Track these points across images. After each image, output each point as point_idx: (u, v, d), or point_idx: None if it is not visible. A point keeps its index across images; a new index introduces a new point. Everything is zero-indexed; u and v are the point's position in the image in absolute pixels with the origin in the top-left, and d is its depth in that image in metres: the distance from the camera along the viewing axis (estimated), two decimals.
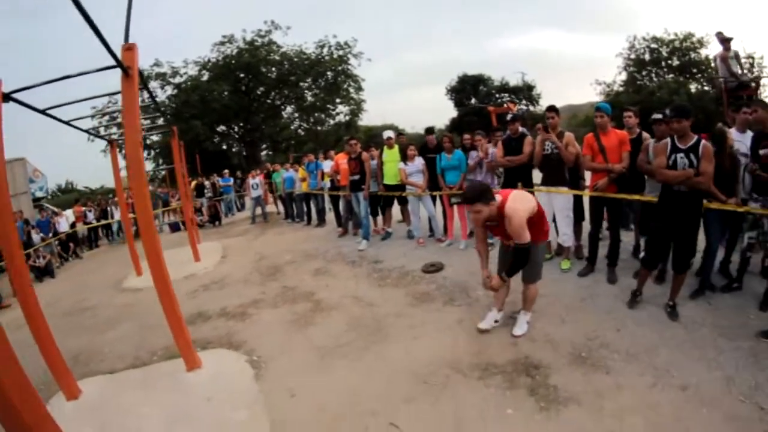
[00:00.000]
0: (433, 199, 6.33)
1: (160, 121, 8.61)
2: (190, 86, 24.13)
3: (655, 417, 2.25)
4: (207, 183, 13.64)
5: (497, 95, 31.15)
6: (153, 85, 22.84)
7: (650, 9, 55.50)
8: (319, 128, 28.63)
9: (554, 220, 4.55)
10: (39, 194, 14.75)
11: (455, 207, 5.90)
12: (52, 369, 2.95)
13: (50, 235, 9.59)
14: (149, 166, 22.29)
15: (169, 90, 24.22)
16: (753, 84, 8.38)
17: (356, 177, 6.63)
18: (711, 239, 3.62)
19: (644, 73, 26.73)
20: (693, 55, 24.63)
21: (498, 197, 2.98)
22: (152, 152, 24.06)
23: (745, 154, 3.60)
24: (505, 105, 22.86)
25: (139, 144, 2.89)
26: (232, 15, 48.48)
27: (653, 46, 25.82)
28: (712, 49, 18.03)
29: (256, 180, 11.22)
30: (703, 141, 3.11)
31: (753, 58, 21.82)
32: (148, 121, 8.08)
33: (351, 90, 27.83)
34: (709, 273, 3.67)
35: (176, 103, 23.18)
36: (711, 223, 3.61)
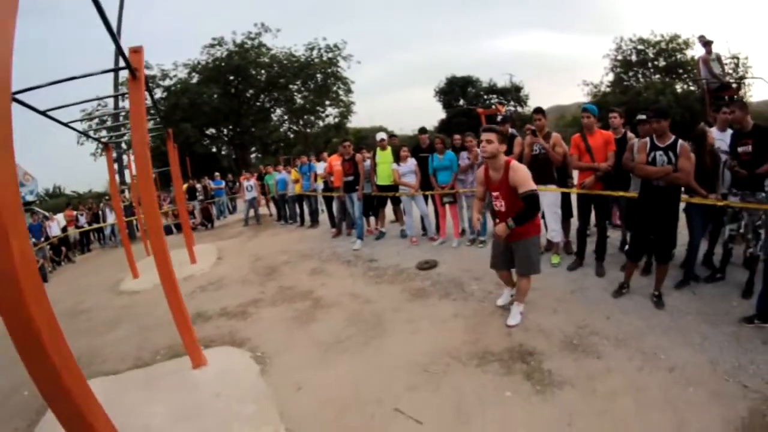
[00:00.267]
0: (426, 198, 6.47)
1: (151, 124, 8.60)
2: (180, 89, 24.06)
3: (644, 397, 2.39)
4: (198, 186, 13.61)
5: (485, 97, 31.26)
6: None
7: (637, 11, 56.47)
8: (308, 130, 28.69)
9: (543, 217, 4.70)
10: (29, 198, 14.53)
11: (447, 206, 6.06)
12: None
13: (42, 239, 9.51)
14: None
15: (159, 93, 24.03)
16: (735, 85, 8.69)
17: (350, 178, 6.72)
18: (694, 232, 3.80)
19: (631, 73, 26.94)
20: (679, 56, 24.84)
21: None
22: None
23: (725, 151, 3.82)
24: (493, 107, 23.06)
25: (146, 144, 2.96)
26: (223, 17, 48.33)
27: (640, 47, 26.05)
28: (698, 51, 18.39)
29: (250, 182, 11.25)
30: (680, 140, 3.30)
31: (738, 58, 22.22)
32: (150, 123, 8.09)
33: (340, 92, 28.00)
34: (693, 264, 3.85)
35: (166, 106, 22.99)
36: (693, 217, 3.80)
